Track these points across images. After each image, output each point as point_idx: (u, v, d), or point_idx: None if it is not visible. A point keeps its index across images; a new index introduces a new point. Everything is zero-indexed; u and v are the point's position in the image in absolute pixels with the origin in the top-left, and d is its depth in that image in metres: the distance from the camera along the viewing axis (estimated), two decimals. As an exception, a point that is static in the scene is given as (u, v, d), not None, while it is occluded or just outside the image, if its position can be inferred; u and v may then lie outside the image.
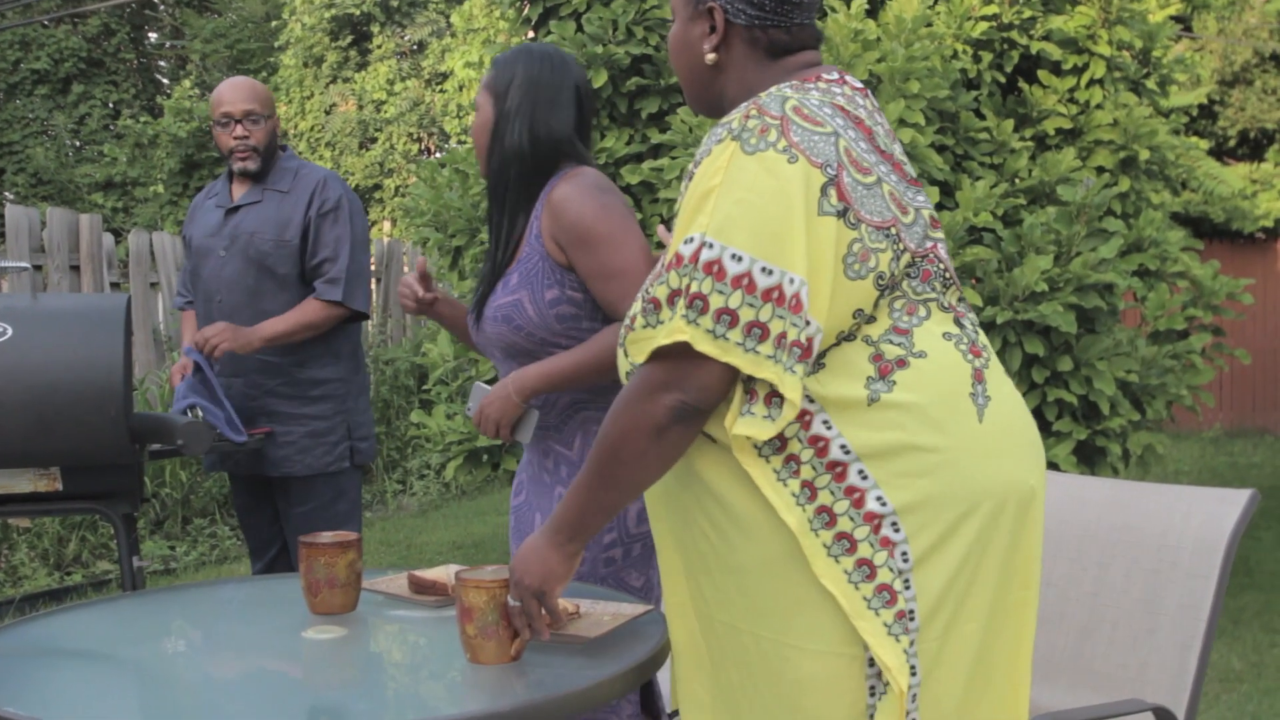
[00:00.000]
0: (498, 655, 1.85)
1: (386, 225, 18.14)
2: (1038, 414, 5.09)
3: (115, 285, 7.77)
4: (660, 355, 1.68)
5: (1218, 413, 11.86)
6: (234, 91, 3.80)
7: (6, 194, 19.36)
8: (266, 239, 3.75)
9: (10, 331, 3.08)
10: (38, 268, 7.12)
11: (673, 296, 1.66)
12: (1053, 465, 4.85)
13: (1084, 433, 4.93)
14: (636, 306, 1.74)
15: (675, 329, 1.65)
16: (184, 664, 2.04)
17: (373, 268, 10.26)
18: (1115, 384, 4.95)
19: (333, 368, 3.84)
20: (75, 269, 7.44)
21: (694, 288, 1.64)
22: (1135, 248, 5.33)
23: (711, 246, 1.65)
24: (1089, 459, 5.09)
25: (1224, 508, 2.35)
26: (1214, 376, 5.65)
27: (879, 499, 1.70)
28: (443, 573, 2.29)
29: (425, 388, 8.54)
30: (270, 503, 3.88)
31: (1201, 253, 10.48)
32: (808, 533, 1.70)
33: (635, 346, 1.72)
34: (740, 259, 1.64)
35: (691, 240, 1.67)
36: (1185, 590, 2.32)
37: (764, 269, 1.64)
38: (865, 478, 1.70)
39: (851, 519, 1.70)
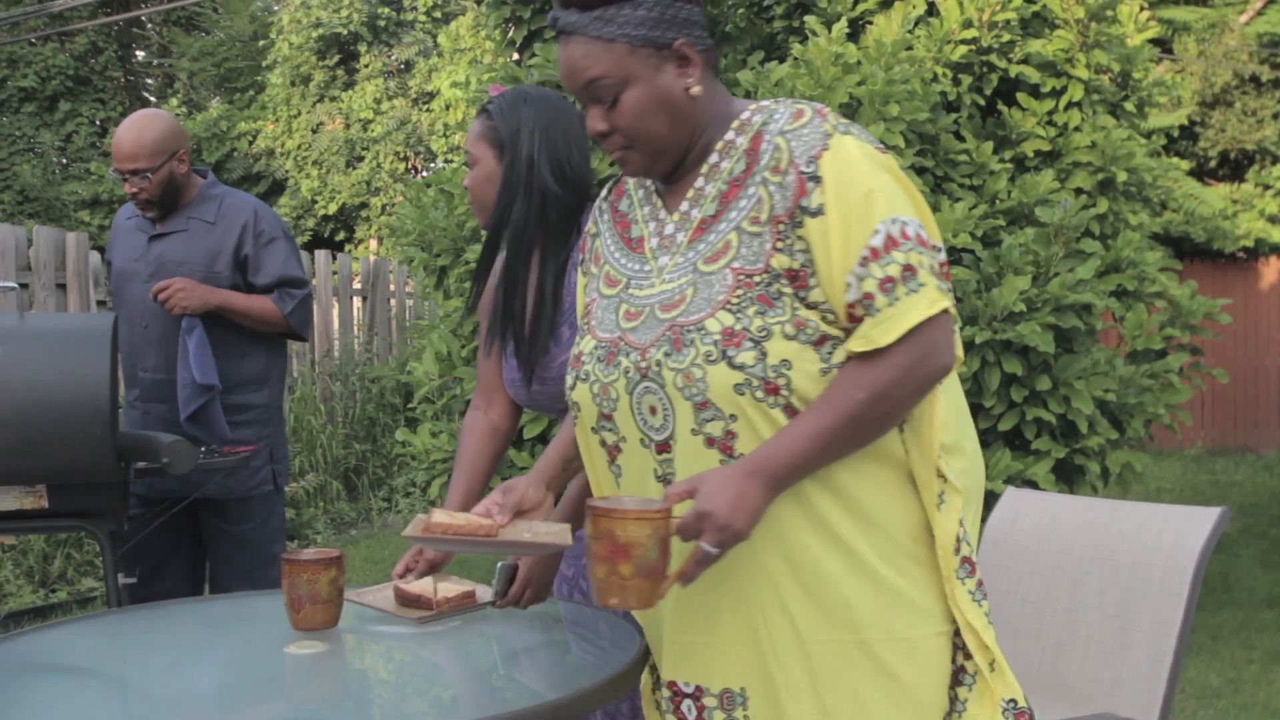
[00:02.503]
0: (650, 597, 1.70)
1: (373, 244, 18.16)
2: (1016, 433, 5.13)
3: (102, 303, 7.79)
4: (917, 325, 1.76)
5: (1199, 431, 11.93)
6: (119, 146, 3.77)
7: (-7, 211, 19.34)
8: (195, 270, 3.83)
9: (-3, 350, 3.11)
10: (24, 286, 7.14)
11: (906, 272, 1.75)
12: (1031, 484, 4.89)
13: (1063, 451, 4.98)
14: (853, 294, 1.77)
15: (934, 298, 1.77)
16: (168, 679, 2.07)
17: (357, 285, 10.29)
18: (1093, 403, 4.99)
19: (259, 394, 3.97)
20: (62, 287, 7.46)
21: (925, 261, 1.78)
22: (1113, 268, 5.38)
23: (906, 223, 1.79)
24: (1068, 477, 5.13)
25: (1195, 525, 2.39)
26: (1192, 395, 5.70)
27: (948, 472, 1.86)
28: (427, 585, 2.32)
29: (410, 406, 8.57)
30: (179, 526, 3.89)
31: (1182, 272, 10.57)
32: (935, 512, 1.84)
33: (884, 326, 1.76)
34: (910, 222, 1.79)
35: (896, 221, 1.77)
36: (1157, 606, 2.36)
37: (918, 224, 1.81)
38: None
39: (942, 497, 1.85)
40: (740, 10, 5.92)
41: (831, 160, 1.79)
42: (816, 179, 1.79)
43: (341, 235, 18.85)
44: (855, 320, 1.78)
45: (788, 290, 1.79)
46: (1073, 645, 2.44)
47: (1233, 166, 12.54)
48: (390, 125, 17.90)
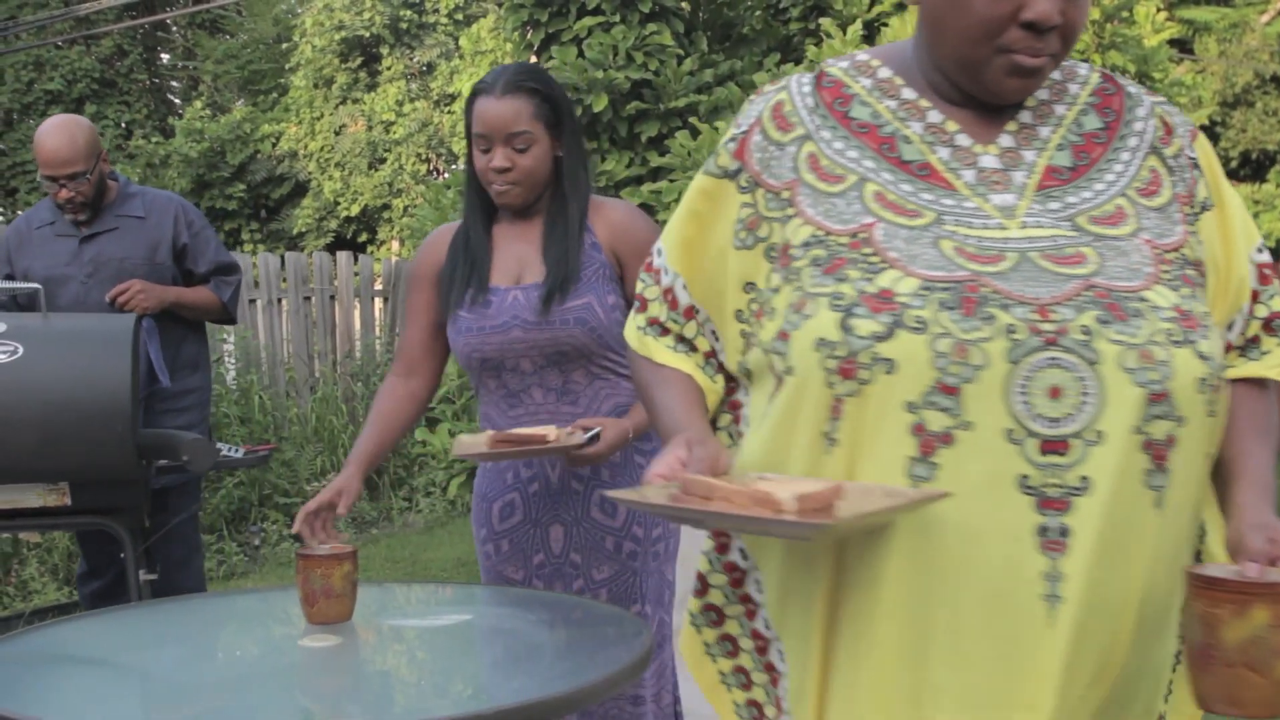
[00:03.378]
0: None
1: (395, 245, 18.25)
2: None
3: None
4: None
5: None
6: (54, 151, 3.82)
7: (19, 213, 19.50)
8: (139, 264, 3.98)
9: (21, 350, 3.17)
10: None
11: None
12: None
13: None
14: (1264, 310, 1.53)
15: None
16: (184, 671, 2.11)
17: (379, 286, 10.36)
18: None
19: (194, 378, 4.15)
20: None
21: None
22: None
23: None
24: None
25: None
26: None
27: None
28: (543, 430, 2.36)
29: (430, 406, 8.63)
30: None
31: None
32: None
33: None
34: None
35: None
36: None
37: None
38: None
39: None
40: (756, 13, 5.96)
41: (1203, 148, 1.56)
42: (1198, 167, 1.54)
43: (364, 237, 18.95)
44: (1252, 339, 1.52)
45: (1199, 282, 1.47)
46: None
47: (1254, 167, 12.50)
48: (412, 127, 17.99)
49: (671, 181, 5.12)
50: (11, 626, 5.88)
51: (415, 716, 1.83)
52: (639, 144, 5.42)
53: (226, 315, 4.23)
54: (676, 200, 5.05)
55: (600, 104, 5.20)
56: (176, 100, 22.91)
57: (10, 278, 4.08)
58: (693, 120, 5.27)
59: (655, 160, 5.28)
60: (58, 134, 3.85)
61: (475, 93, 2.59)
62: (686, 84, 5.35)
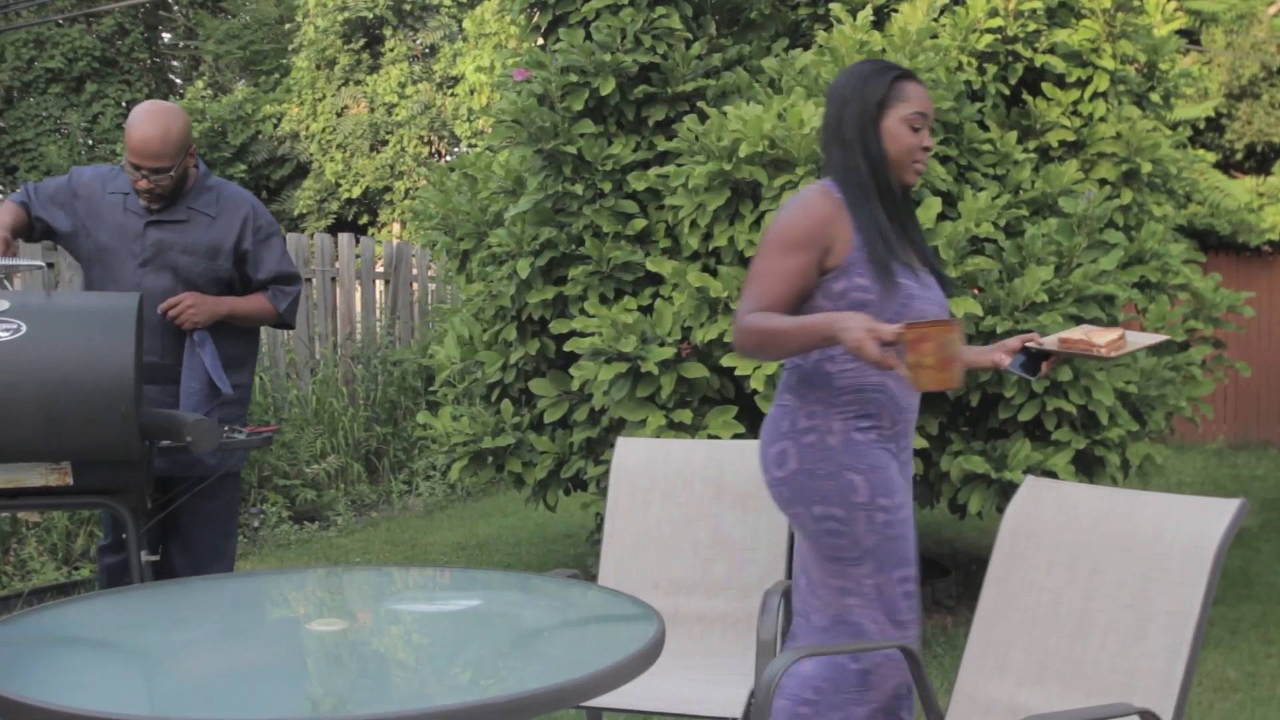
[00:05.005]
0: None
1: (396, 227, 18.20)
2: (1037, 423, 5.13)
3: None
4: None
5: (1221, 425, 11.88)
6: (145, 143, 3.73)
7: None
8: (197, 260, 3.93)
9: (24, 328, 3.14)
10: (50, 265, 7.19)
11: None
12: (1050, 474, 4.89)
13: (1083, 442, 4.97)
14: None
15: None
16: (191, 653, 2.09)
17: (380, 269, 10.32)
18: (1114, 394, 4.98)
19: (241, 375, 4.09)
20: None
21: None
22: (1136, 260, 5.37)
23: None
24: (1088, 469, 5.13)
25: (1214, 516, 2.39)
26: (1214, 388, 5.69)
27: None
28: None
29: (432, 389, 8.60)
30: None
31: (1206, 265, 10.51)
32: None
33: None
34: None
35: None
36: (1175, 597, 2.36)
37: None
38: None
39: None
40: (765, -3, 5.91)
41: None
42: None
43: (365, 219, 18.90)
44: None
45: None
46: (1089, 635, 2.44)
47: (1259, 159, 12.46)
48: (414, 109, 17.93)
49: (679, 165, 5.09)
50: (10, 606, 5.86)
51: (424, 704, 1.80)
52: (646, 128, 5.38)
53: (282, 324, 4.17)
54: (684, 185, 5.01)
55: (607, 87, 5.16)
56: (178, 80, 22.84)
57: (61, 205, 3.96)
58: (701, 104, 5.23)
59: (662, 144, 5.24)
60: (152, 123, 3.74)
61: (904, 75, 2.87)
62: (695, 68, 5.31)
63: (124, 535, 3.48)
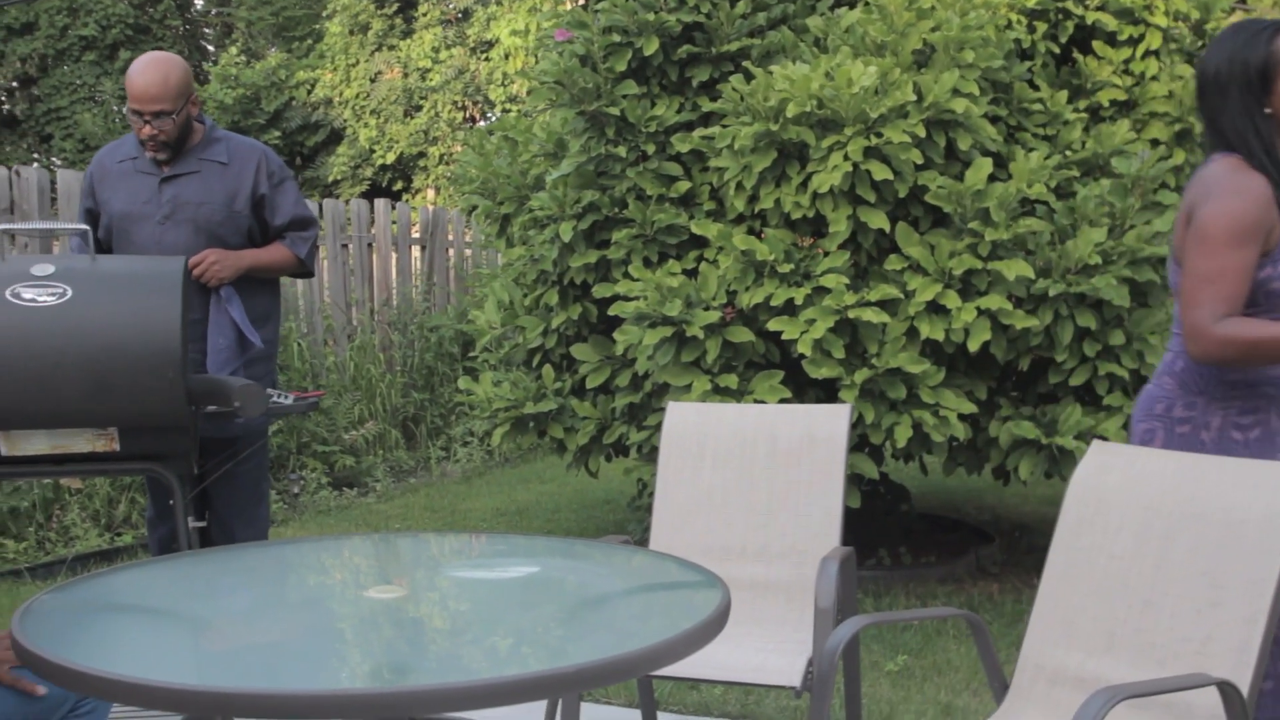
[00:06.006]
0: None
1: (430, 193, 18.17)
2: (1088, 388, 5.05)
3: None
4: None
5: None
6: (145, 87, 3.79)
7: (54, 159, 19.52)
8: (216, 209, 3.95)
9: (70, 293, 3.11)
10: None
11: None
12: (1102, 439, 4.81)
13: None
14: None
15: None
16: (247, 621, 2.06)
17: (416, 234, 10.28)
18: (1168, 358, 4.90)
19: (267, 329, 4.12)
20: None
21: None
22: (1190, 221, 5.26)
23: None
24: (1140, 434, 5.04)
25: (1289, 482, 2.32)
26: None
27: None
28: None
29: (472, 354, 8.57)
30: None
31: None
32: None
33: None
34: None
35: None
36: (1251, 564, 2.29)
37: None
38: None
39: None
40: (810, -45, 5.80)
41: None
42: None
43: (399, 185, 18.87)
44: None
45: None
46: (1162, 603, 2.38)
47: (1307, 120, 12.26)
48: (448, 74, 17.85)
49: (724, 127, 5.01)
50: (54, 572, 5.87)
51: (490, 674, 1.76)
52: (690, 88, 5.30)
53: (304, 271, 4.19)
54: (729, 146, 4.94)
55: (651, 47, 5.08)
56: (210, 47, 22.83)
57: (92, 211, 4.03)
58: (746, 64, 5.15)
59: (706, 105, 5.16)
60: (150, 70, 3.81)
61: None
62: (739, 27, 5.22)
63: (170, 502, 3.46)
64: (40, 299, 3.08)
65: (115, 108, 19.86)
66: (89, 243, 3.41)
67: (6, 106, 21.16)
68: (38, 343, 3.04)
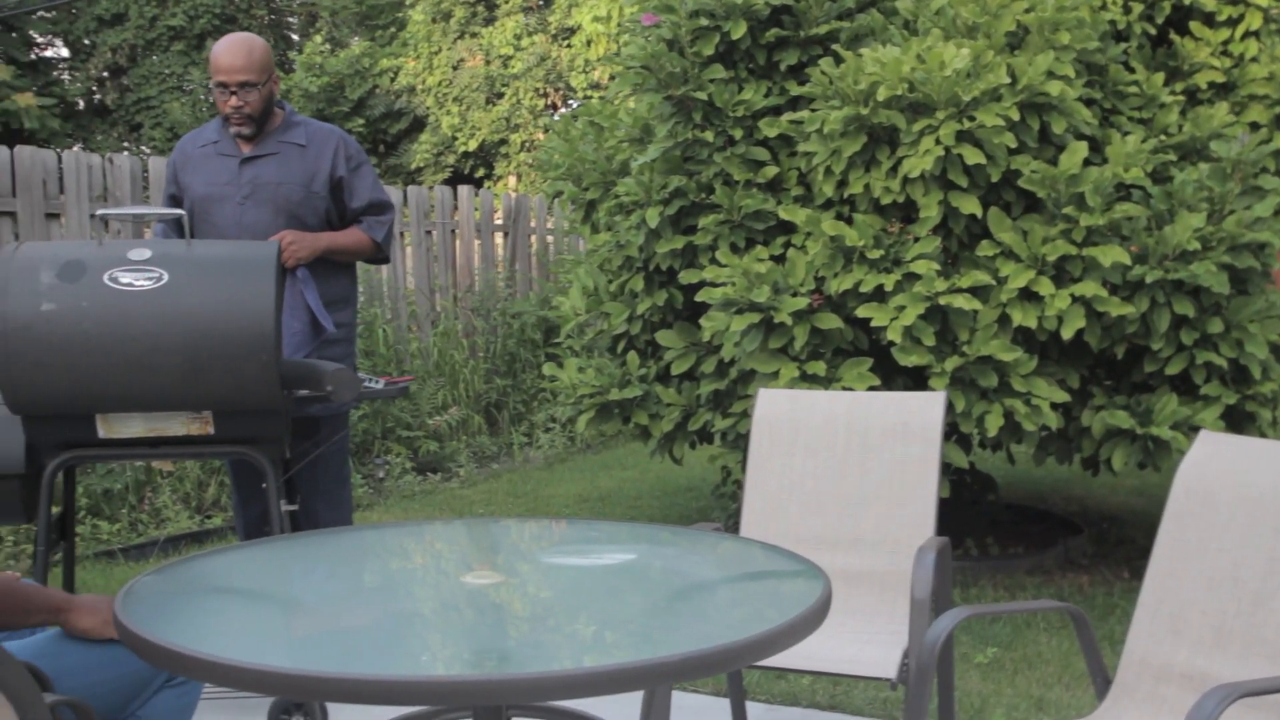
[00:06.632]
0: None
1: (512, 180, 18.22)
2: (1184, 377, 4.94)
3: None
4: None
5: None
6: (230, 59, 3.90)
7: (144, 148, 19.84)
8: (295, 189, 3.99)
9: (166, 277, 3.13)
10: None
11: None
12: (1197, 430, 4.71)
13: (1233, 397, 4.77)
14: None
15: None
16: (344, 605, 2.06)
17: (499, 221, 10.31)
18: (1268, 347, 4.78)
19: (344, 313, 4.15)
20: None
21: None
22: (1292, 206, 5.13)
23: None
24: (1238, 425, 4.93)
25: None
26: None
27: None
28: None
29: (555, 340, 8.59)
30: None
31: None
32: None
33: None
34: None
35: None
36: (1366, 559, 2.22)
37: None
38: None
39: None
40: (899, -64, 5.73)
41: None
42: None
43: (481, 172, 18.95)
44: None
45: None
46: (1273, 598, 2.31)
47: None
48: (530, 61, 17.88)
49: (813, 111, 4.95)
50: (146, 553, 5.96)
51: (592, 662, 1.74)
52: (778, 72, 5.25)
53: (380, 255, 4.20)
54: (818, 130, 4.88)
55: (738, 31, 5.03)
56: (295, 36, 23.05)
57: (175, 197, 4.09)
58: (835, 48, 5.09)
59: (795, 89, 5.10)
60: (236, 44, 3.92)
61: None
62: (827, 10, 5.16)
63: (264, 485, 3.49)
64: (137, 283, 3.11)
65: (203, 96, 20.13)
66: (185, 228, 3.44)
67: (98, 96, 21.53)
68: (135, 326, 3.07)
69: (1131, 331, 4.72)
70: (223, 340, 3.10)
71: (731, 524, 5.84)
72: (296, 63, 19.10)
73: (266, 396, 3.17)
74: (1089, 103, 5.04)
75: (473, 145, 18.25)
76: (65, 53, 21.96)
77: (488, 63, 18.35)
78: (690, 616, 1.83)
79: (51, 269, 3.12)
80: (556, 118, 17.60)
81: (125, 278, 3.12)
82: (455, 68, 18.57)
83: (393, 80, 19.12)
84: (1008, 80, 4.62)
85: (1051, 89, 4.61)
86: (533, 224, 10.66)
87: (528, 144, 17.93)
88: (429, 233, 9.49)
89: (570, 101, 18.28)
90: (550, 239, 10.95)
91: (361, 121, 18.78)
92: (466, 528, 2.55)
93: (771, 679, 4.11)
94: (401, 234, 9.31)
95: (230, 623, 1.93)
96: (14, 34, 20.04)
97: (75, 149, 7.17)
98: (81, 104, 21.61)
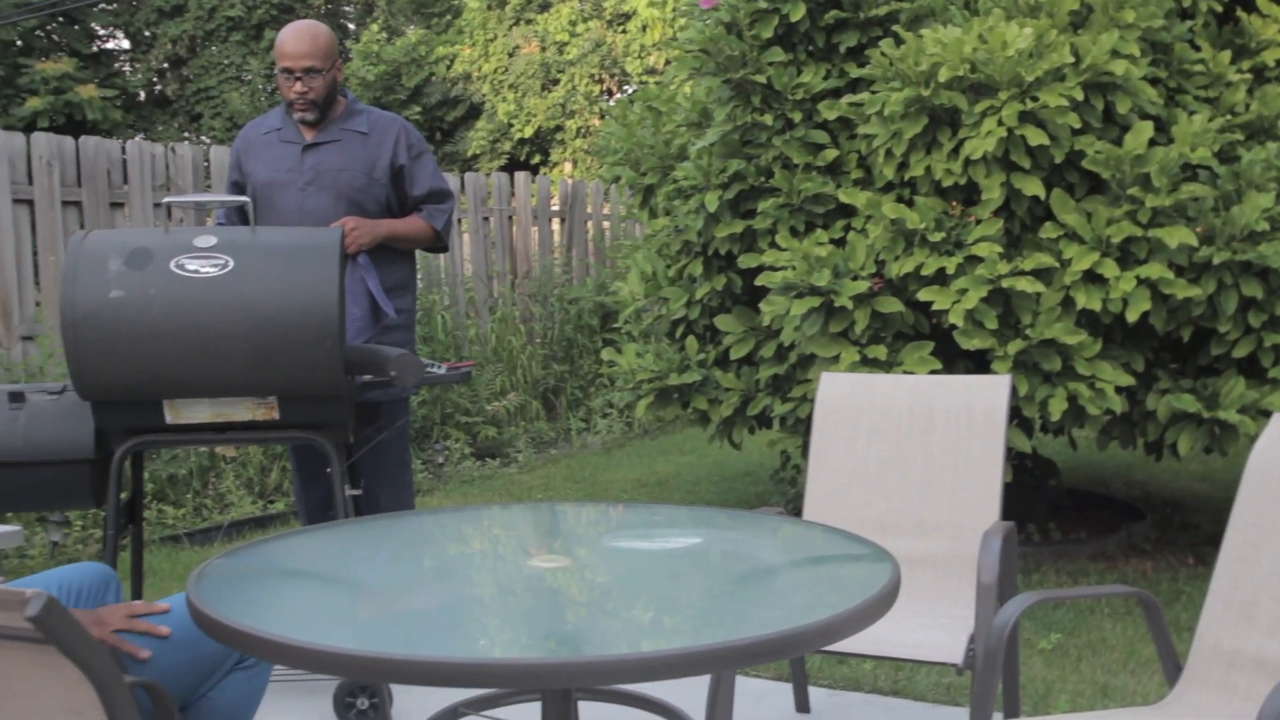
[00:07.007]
0: None
1: (567, 166, 18.25)
2: (1252, 360, 4.87)
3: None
4: None
5: None
6: (296, 45, 3.95)
7: (204, 138, 20.03)
8: (357, 175, 4.03)
9: (232, 264, 3.16)
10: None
11: None
12: (1265, 415, 4.64)
13: (1303, 380, 4.70)
14: None
15: None
16: (409, 587, 2.07)
17: (555, 207, 10.33)
18: (1339, 329, 4.70)
19: (404, 299, 4.18)
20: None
21: None
22: (1363, 186, 5.03)
23: None
24: (1308, 408, 4.85)
25: None
26: None
27: None
28: None
29: (614, 325, 8.60)
30: None
31: None
32: None
33: None
34: None
35: None
36: None
37: None
38: None
39: None
40: (960, -84, 5.66)
41: None
42: None
43: (537, 158, 18.99)
44: None
45: None
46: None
47: None
48: (585, 48, 17.88)
49: (873, 93, 4.91)
50: (211, 538, 6.03)
51: (658, 645, 1.74)
52: (837, 54, 5.21)
53: (440, 243, 4.23)
54: (878, 112, 4.85)
55: (798, 13, 5.00)
56: (351, 25, 23.17)
57: (239, 184, 4.14)
58: (895, 29, 5.04)
59: (854, 71, 5.07)
60: (301, 30, 3.99)
61: None
62: (886, -8, 5.12)
63: (328, 470, 3.51)
64: (204, 270, 3.14)
65: (261, 86, 20.29)
66: (249, 215, 3.47)
67: (158, 87, 21.76)
68: (201, 313, 3.10)
69: (1198, 314, 4.65)
70: (288, 326, 3.12)
71: (792, 508, 5.83)
72: (353, 51, 19.21)
73: (331, 382, 3.20)
74: (1154, 82, 4.97)
75: (528, 132, 18.29)
76: (126, 44, 22.21)
77: (543, 49, 18.38)
78: (757, 601, 1.83)
79: (119, 257, 3.15)
80: (612, 103, 17.62)
81: (191, 265, 3.15)
82: (511, 54, 18.61)
83: (448, 68, 19.19)
84: (1071, 60, 4.56)
85: (1116, 68, 4.55)
86: (589, 210, 10.67)
87: (583, 130, 17.94)
88: (486, 219, 9.52)
89: (625, 87, 18.27)
90: (606, 225, 10.96)
91: (418, 109, 18.87)
92: (531, 512, 2.56)
93: (833, 664, 4.09)
94: (459, 221, 9.35)
95: (300, 605, 1.95)
96: (76, 26, 20.29)
97: (138, 139, 7.24)
98: (142, 95, 21.85)
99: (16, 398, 3.33)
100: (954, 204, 4.78)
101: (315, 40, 3.95)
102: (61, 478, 3.30)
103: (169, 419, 3.28)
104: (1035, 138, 4.49)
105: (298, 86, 3.96)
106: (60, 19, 20.05)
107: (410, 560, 2.22)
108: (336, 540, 2.37)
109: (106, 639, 2.22)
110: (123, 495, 3.46)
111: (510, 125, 18.49)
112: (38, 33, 20.04)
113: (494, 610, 1.90)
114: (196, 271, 3.15)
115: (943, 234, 4.64)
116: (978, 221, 4.70)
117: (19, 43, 19.76)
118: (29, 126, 17.63)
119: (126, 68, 21.96)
